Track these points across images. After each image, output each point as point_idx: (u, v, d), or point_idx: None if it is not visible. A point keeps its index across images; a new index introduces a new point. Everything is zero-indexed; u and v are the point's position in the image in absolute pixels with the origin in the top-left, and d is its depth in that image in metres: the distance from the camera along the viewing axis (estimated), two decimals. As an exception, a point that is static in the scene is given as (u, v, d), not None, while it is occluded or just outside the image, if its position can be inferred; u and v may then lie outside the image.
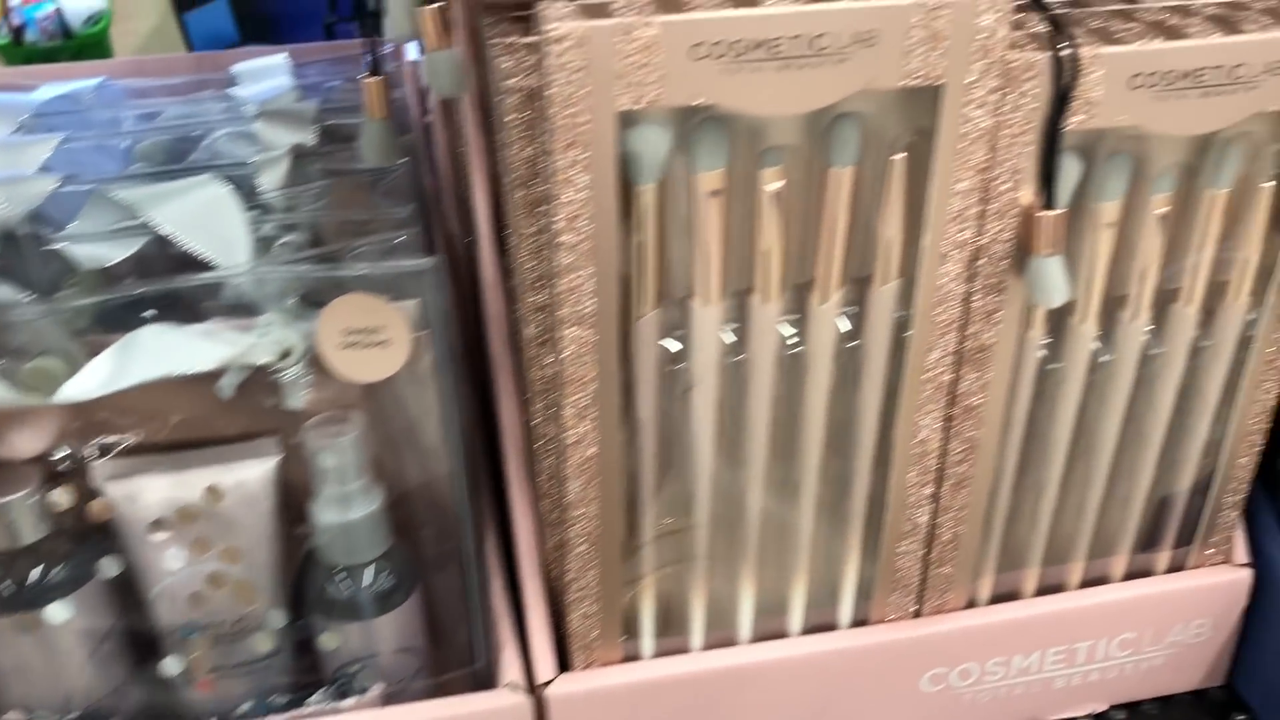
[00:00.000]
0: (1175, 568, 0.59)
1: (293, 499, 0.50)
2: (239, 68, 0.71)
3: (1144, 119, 0.44)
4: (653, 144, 0.41)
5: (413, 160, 0.58)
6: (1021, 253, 0.46)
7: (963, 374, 0.49)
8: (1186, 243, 0.49)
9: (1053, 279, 0.45)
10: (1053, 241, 0.44)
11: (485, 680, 0.53)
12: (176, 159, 0.60)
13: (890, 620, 0.55)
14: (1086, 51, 0.43)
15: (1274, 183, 0.48)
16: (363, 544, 0.50)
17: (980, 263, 0.46)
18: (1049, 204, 0.44)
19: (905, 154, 0.44)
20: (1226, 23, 0.45)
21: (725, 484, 0.50)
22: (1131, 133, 0.45)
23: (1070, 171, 0.45)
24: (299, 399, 0.47)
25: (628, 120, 0.40)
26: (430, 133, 0.70)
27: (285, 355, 0.46)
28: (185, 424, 0.47)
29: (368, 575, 0.51)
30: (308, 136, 0.59)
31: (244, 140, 0.61)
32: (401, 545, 0.52)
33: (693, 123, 0.42)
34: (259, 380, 0.47)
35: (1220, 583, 0.58)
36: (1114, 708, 0.60)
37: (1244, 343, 0.52)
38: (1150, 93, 0.44)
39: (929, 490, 0.51)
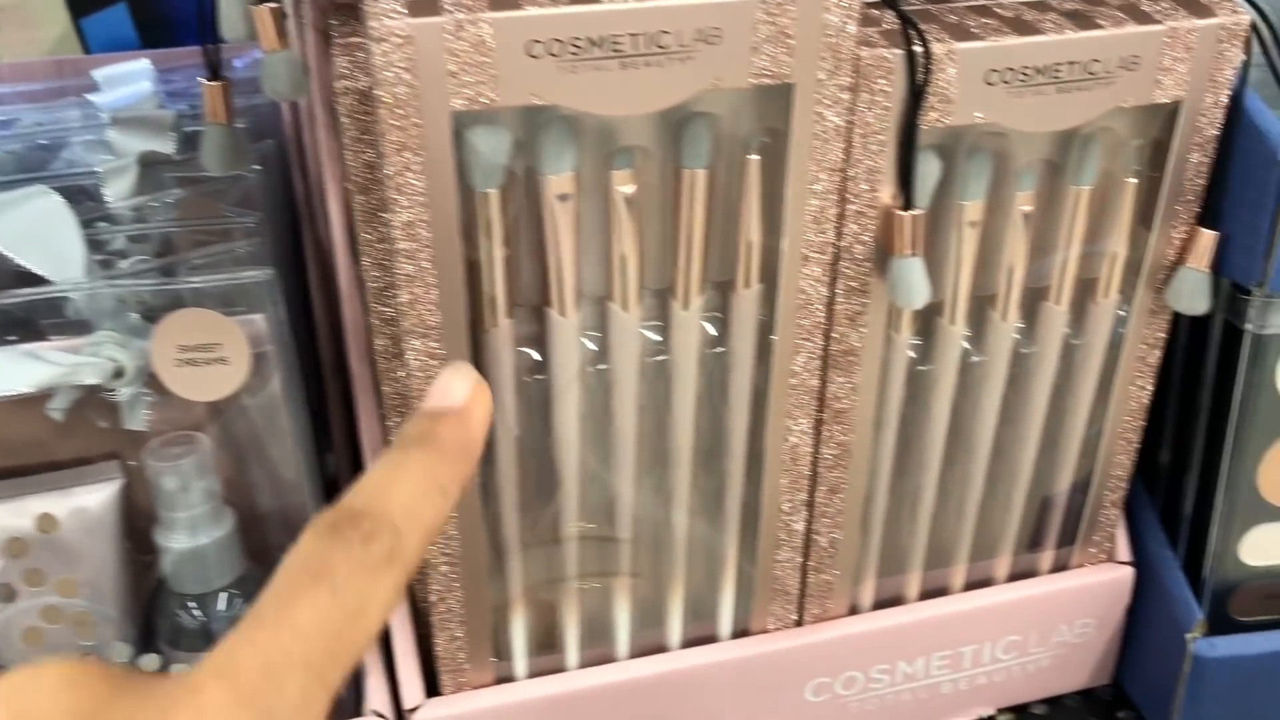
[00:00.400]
0: (1059, 568, 0.58)
1: (139, 525, 0.48)
2: (100, 73, 0.68)
3: (1001, 115, 0.44)
4: (492, 147, 0.39)
5: (271, 166, 0.56)
6: (883, 254, 0.45)
7: (830, 378, 0.48)
8: (1053, 240, 0.49)
9: (913, 280, 0.44)
10: (912, 242, 0.44)
11: (350, 708, 0.51)
12: (34, 168, 0.57)
13: (771, 630, 0.54)
14: (940, 48, 0.42)
15: (1136, 178, 0.48)
16: (214, 570, 0.48)
17: (842, 264, 0.45)
18: (907, 204, 0.43)
19: (759, 155, 0.43)
20: (1082, 18, 0.44)
21: (595, 497, 0.49)
22: (991, 130, 0.45)
23: (929, 170, 0.45)
24: (139, 420, 0.45)
25: (465, 122, 0.39)
26: (301, 136, 0.68)
27: (118, 375, 0.43)
28: (15, 449, 0.45)
29: (221, 602, 0.49)
30: (164, 144, 0.57)
31: (101, 148, 0.58)
32: (258, 570, 0.50)
33: (536, 124, 0.40)
34: (96, 401, 0.45)
35: (1103, 581, 0.58)
36: (1001, 711, 0.60)
37: (1116, 340, 0.52)
38: (1006, 89, 0.43)
39: (803, 496, 0.50)
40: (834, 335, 0.47)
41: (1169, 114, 0.46)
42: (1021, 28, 0.43)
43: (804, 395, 0.47)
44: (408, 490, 0.23)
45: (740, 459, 0.49)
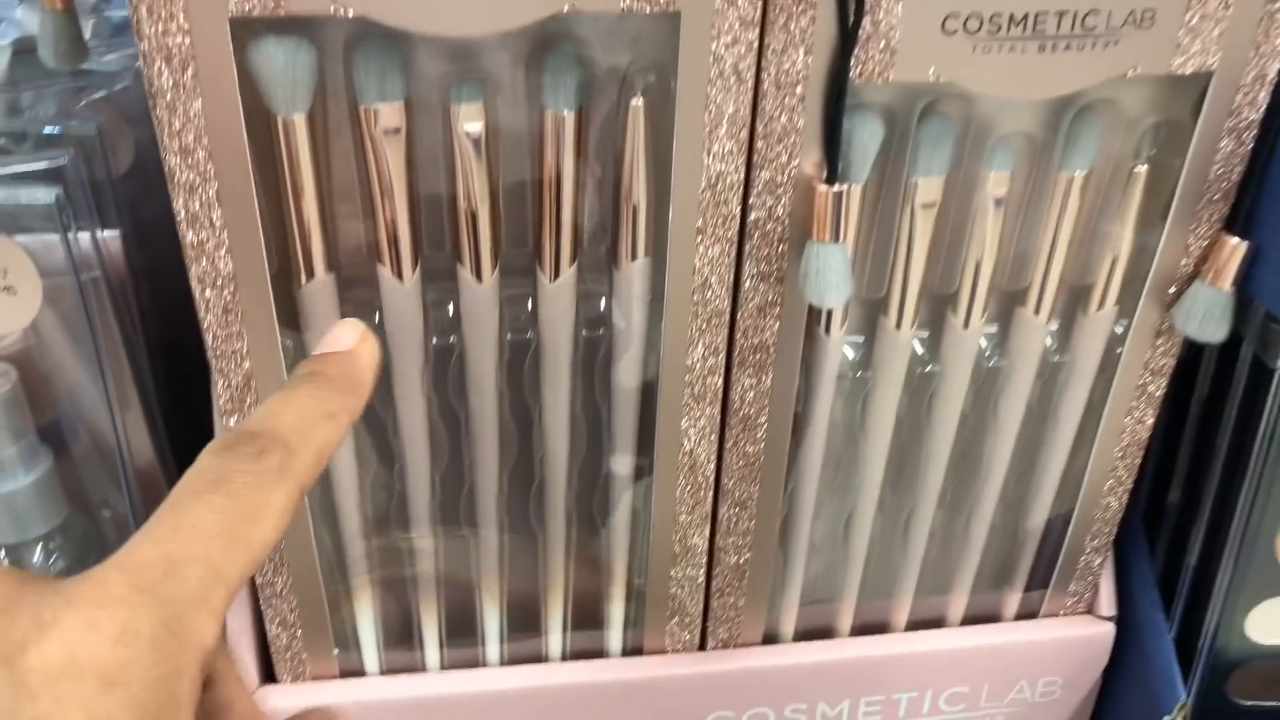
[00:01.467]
0: (1026, 614, 0.49)
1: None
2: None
3: (963, 75, 0.34)
4: (287, 64, 0.32)
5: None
6: (803, 236, 0.36)
7: (737, 378, 0.39)
8: (1036, 235, 0.39)
9: (828, 271, 0.35)
10: (834, 224, 0.35)
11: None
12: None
13: (669, 652, 0.47)
14: (881, -20, 0.33)
15: (1147, 166, 0.38)
16: (27, 517, 0.43)
17: (752, 244, 0.37)
18: (831, 176, 0.35)
19: (642, 98, 0.34)
20: (1084, -45, 0.34)
21: (450, 484, 0.42)
22: (955, 93, 0.36)
23: (867, 137, 0.36)
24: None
25: (252, 31, 0.31)
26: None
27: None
28: None
29: (36, 553, 0.44)
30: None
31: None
32: (80, 519, 0.44)
33: (355, 43, 0.33)
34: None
35: (1077, 636, 0.49)
36: (941, 768, 0.52)
37: (1111, 361, 0.42)
38: (971, 41, 0.34)
39: (704, 509, 0.42)
40: (740, 326, 0.38)
41: (1197, 88, 0.36)
42: (998, -37, 0.34)
43: (703, 395, 0.39)
44: (297, 413, 0.24)
45: (627, 458, 0.42)
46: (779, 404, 0.40)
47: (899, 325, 0.40)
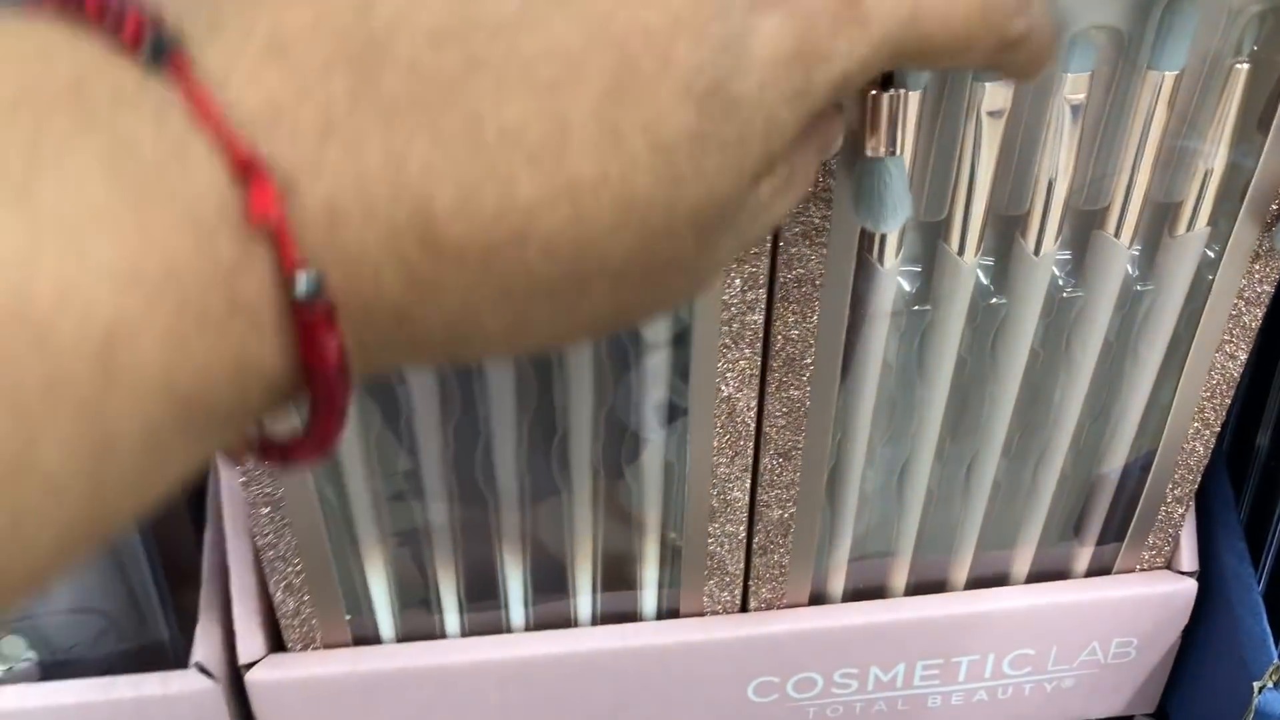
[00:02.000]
0: (1099, 570, 0.45)
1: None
2: None
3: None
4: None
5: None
6: (853, 150, 0.32)
7: (779, 313, 0.35)
8: (1118, 144, 0.35)
9: (885, 190, 0.31)
10: (889, 135, 0.30)
11: (179, 657, 0.42)
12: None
13: (708, 614, 0.43)
14: None
15: (1249, 64, 0.33)
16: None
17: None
18: (886, 80, 0.30)
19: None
20: None
21: (464, 437, 0.38)
22: (1027, -22, 0.31)
23: (928, 32, 0.31)
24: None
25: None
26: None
27: None
28: None
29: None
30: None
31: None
32: None
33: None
34: None
35: (1155, 594, 0.45)
36: (1005, 734, 0.48)
37: (1198, 288, 0.38)
38: (1049, -85, 0.29)
39: (744, 461, 0.39)
40: (783, 256, 0.34)
41: (1310, -31, 0.31)
42: None
43: (741, 335, 0.35)
44: None
45: (659, 407, 0.38)
46: (826, 343, 0.36)
47: (961, 252, 0.35)
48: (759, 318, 0.35)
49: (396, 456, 0.38)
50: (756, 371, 0.36)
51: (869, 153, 0.31)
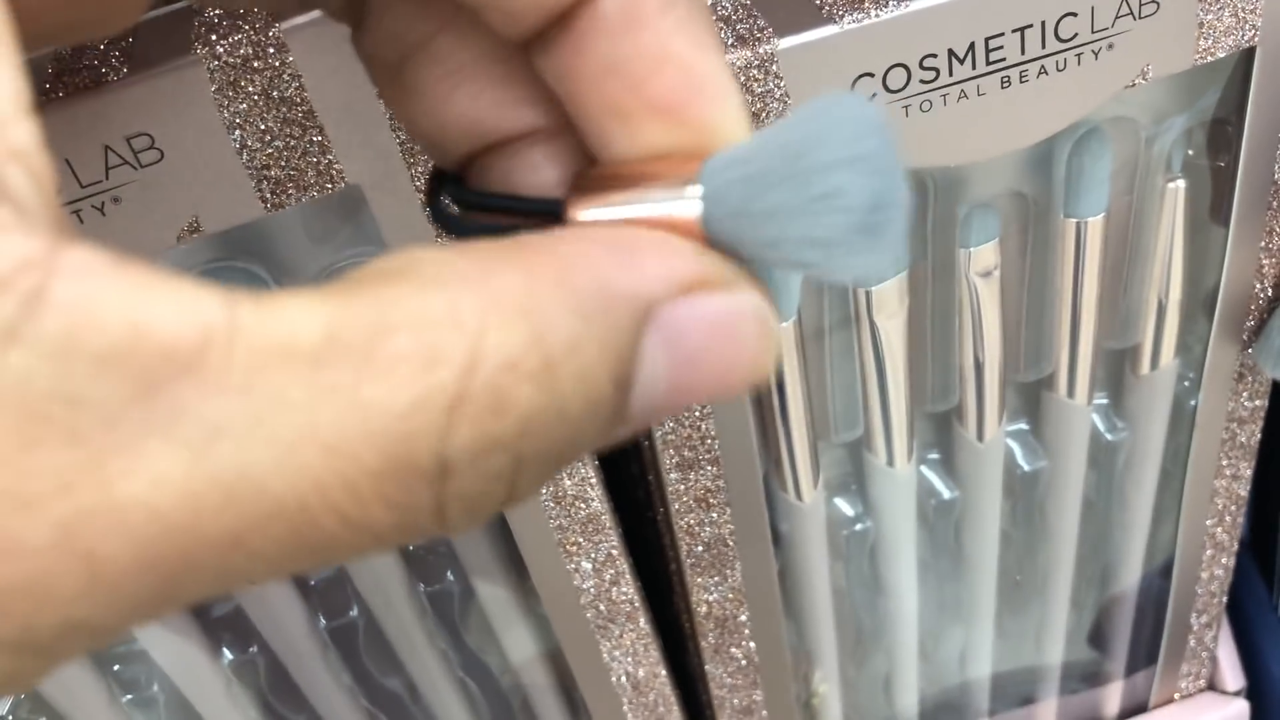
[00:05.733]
0: (1134, 707, 0.39)
1: None
2: None
3: (903, 153, 0.23)
4: None
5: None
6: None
7: (694, 582, 0.29)
8: (1048, 302, 0.28)
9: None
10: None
11: None
12: None
13: None
14: (742, 53, 0.21)
15: (1184, 180, 0.27)
16: None
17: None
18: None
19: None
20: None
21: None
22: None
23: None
24: None
25: None
26: None
27: None
28: None
29: None
30: None
31: None
32: None
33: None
34: None
35: (1202, 721, 0.39)
36: None
37: (1179, 419, 0.32)
38: (899, 102, 0.23)
39: (698, 732, 0.32)
40: (680, 524, 0.28)
41: (1235, 67, 0.25)
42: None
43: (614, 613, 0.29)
44: None
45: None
46: (758, 596, 0.30)
47: (891, 462, 0.29)
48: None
49: None
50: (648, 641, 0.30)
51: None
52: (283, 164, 0.20)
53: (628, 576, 0.28)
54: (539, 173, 0.14)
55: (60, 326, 0.09)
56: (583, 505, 0.26)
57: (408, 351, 0.09)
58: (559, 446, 0.10)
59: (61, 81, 0.18)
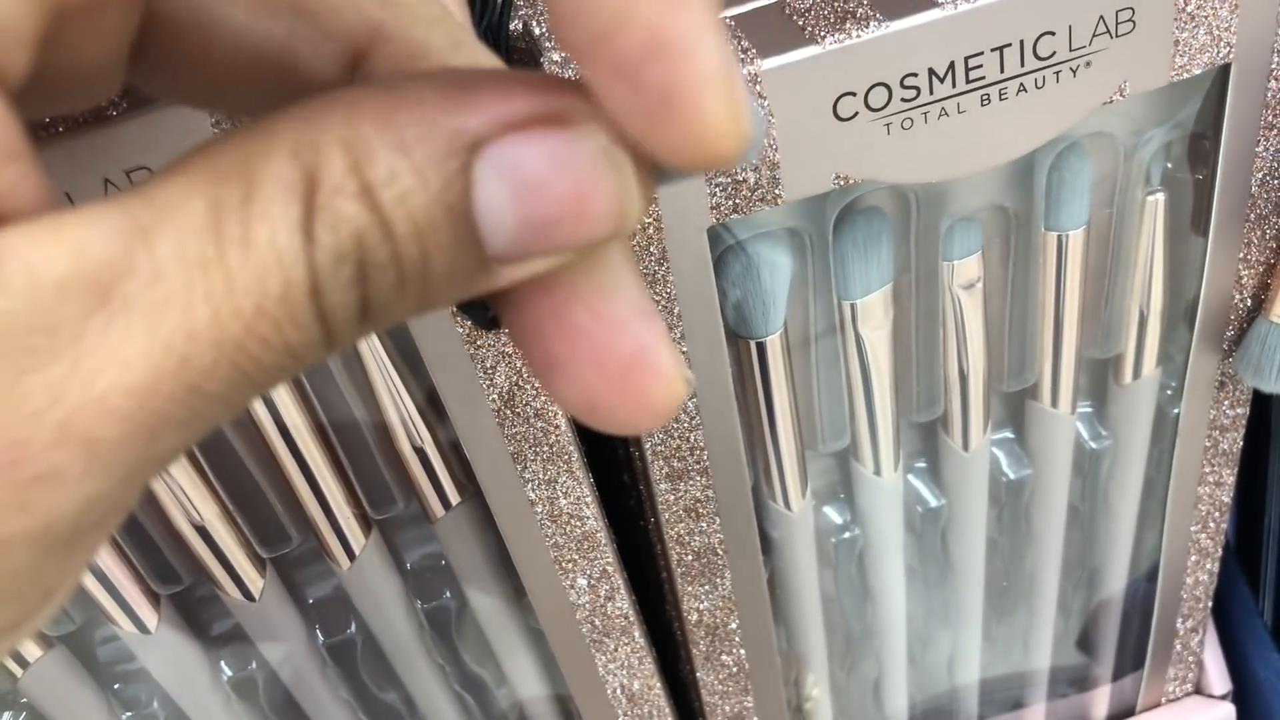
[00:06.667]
0: (1122, 710, 0.40)
1: None
2: None
3: (880, 167, 0.24)
4: None
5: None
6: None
7: (684, 590, 0.29)
8: (1031, 313, 0.29)
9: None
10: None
11: None
12: None
13: None
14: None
15: (1163, 193, 0.28)
16: None
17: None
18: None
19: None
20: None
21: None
22: (877, 186, 0.25)
23: (769, 275, 0.25)
24: None
25: None
26: None
27: None
28: None
29: None
30: None
31: None
32: None
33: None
34: None
35: (1190, 725, 0.39)
36: None
37: (1162, 427, 0.32)
38: (880, 121, 0.23)
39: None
40: (671, 534, 0.28)
41: (1211, 83, 0.26)
42: (889, 6, 0.23)
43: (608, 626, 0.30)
44: None
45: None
46: (748, 604, 0.30)
47: (878, 470, 0.30)
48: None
49: None
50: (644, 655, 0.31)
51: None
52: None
53: (622, 591, 0.29)
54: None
55: (19, 268, 0.11)
56: (578, 523, 0.26)
57: (269, 194, 0.11)
58: (407, 266, 0.12)
59: (63, 117, 0.18)
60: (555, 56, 0.22)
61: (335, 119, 0.12)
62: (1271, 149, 0.26)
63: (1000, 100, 0.23)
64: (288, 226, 0.11)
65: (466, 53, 0.14)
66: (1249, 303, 0.29)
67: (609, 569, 0.28)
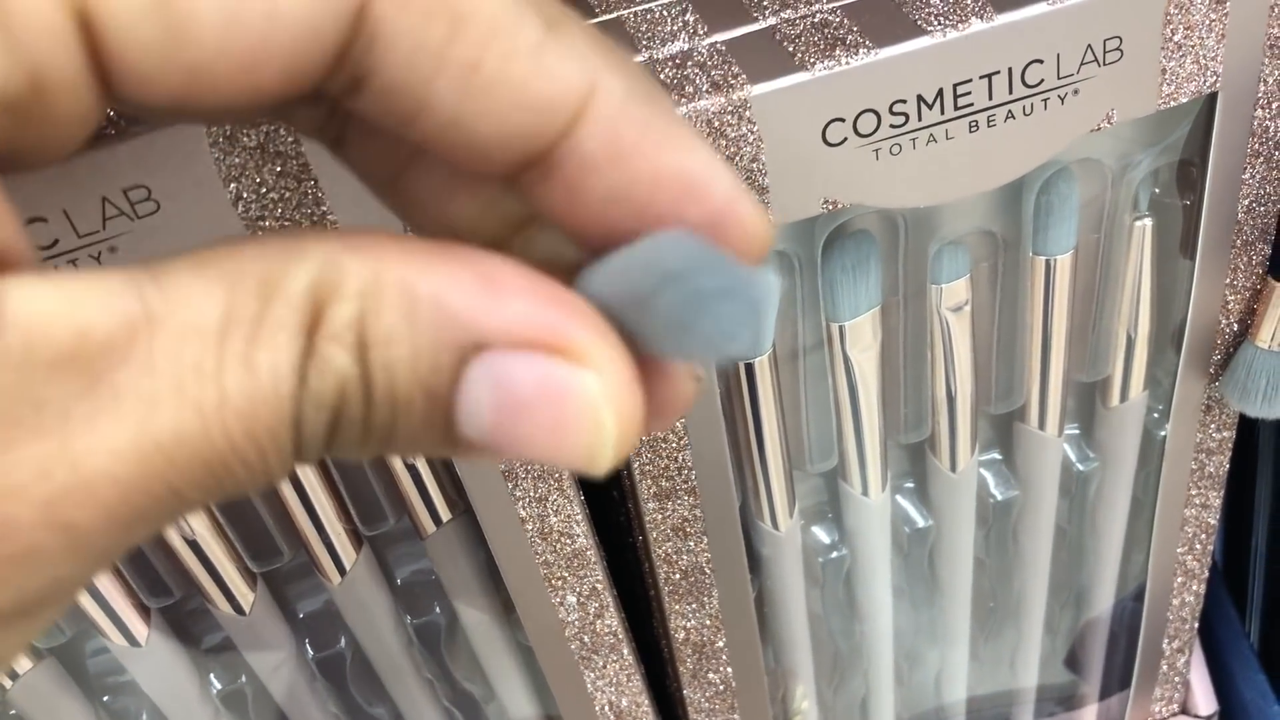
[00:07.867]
0: (1108, 729, 0.40)
1: None
2: None
3: (870, 192, 0.24)
4: None
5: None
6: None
7: (672, 608, 0.30)
8: (1019, 336, 0.29)
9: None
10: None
11: None
12: None
13: None
14: (714, 101, 0.22)
15: (1150, 218, 0.28)
16: None
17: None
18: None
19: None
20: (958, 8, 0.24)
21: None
22: (865, 210, 0.25)
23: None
24: None
25: None
26: None
27: None
28: None
29: None
30: None
31: None
32: None
33: None
34: None
35: (1176, 745, 0.39)
36: None
37: (1149, 449, 0.32)
38: (869, 146, 0.23)
39: (679, 758, 0.33)
40: (659, 553, 0.28)
41: (1199, 109, 0.26)
42: (878, 33, 0.23)
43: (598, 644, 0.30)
44: None
45: (563, 731, 0.32)
46: (734, 621, 0.30)
47: (866, 490, 0.30)
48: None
49: None
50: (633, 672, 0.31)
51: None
52: (278, 216, 0.20)
53: (611, 609, 0.29)
54: (564, 248, 0.14)
55: (18, 341, 0.11)
56: (568, 541, 0.27)
57: (279, 319, 0.11)
58: (376, 427, 0.12)
59: (58, 133, 0.18)
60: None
61: (365, 260, 0.12)
62: (1258, 176, 0.27)
63: (989, 127, 0.24)
64: (289, 359, 0.11)
65: (656, 132, 0.13)
66: (1235, 327, 0.29)
67: (598, 586, 0.28)
